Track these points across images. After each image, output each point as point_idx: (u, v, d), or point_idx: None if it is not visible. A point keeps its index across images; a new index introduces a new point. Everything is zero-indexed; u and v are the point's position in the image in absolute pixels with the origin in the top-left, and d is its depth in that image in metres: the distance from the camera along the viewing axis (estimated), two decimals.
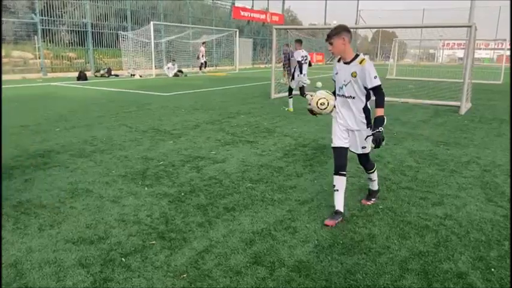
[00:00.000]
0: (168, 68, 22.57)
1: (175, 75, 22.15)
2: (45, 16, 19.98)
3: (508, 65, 22.53)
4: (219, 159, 5.71)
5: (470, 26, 10.91)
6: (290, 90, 10.43)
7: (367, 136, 3.69)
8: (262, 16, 36.72)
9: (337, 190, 3.75)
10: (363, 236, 3.44)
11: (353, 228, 3.60)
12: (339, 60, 3.75)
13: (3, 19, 18.77)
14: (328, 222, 3.64)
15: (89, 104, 10.78)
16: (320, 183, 4.77)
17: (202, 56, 25.42)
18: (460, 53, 51.71)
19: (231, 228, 3.54)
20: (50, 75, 19.98)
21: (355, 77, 3.58)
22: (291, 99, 10.40)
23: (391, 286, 2.74)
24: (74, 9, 21.79)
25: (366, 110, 3.70)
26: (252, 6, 36.25)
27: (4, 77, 18.05)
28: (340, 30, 3.59)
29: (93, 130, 7.48)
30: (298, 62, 9.81)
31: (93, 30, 22.37)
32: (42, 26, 19.91)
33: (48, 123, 8.03)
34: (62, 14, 20.94)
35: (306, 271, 2.89)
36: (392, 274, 2.88)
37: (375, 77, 3.52)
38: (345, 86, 3.67)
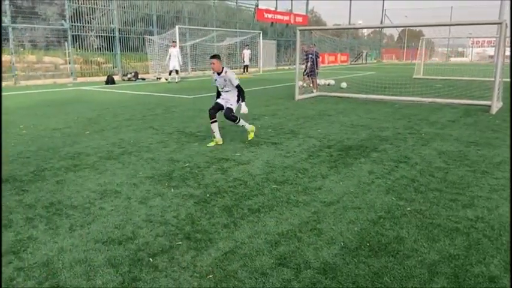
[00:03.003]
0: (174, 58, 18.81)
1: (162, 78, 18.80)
2: (74, 22, 20.58)
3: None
4: (244, 161, 5.73)
5: (500, 23, 10.58)
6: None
7: None
8: (286, 17, 36.64)
9: None
10: (390, 239, 3.38)
11: (380, 230, 3.54)
12: None
13: (35, 26, 19.46)
14: None
15: (116, 107, 11.02)
16: (346, 185, 4.72)
17: (243, 60, 25.46)
18: (491, 51, 50.12)
19: (256, 230, 3.55)
20: (79, 79, 20.55)
21: None
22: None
23: None
24: (102, 15, 22.35)
25: None
26: (276, 7, 36.23)
27: (36, 82, 18.75)
28: None
29: (121, 133, 7.65)
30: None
31: (121, 35, 22.88)
32: (72, 32, 20.50)
33: (78, 126, 8.26)
34: (90, 20, 21.51)
35: (332, 273, 2.87)
36: (421, 277, 2.82)
37: None
38: None
